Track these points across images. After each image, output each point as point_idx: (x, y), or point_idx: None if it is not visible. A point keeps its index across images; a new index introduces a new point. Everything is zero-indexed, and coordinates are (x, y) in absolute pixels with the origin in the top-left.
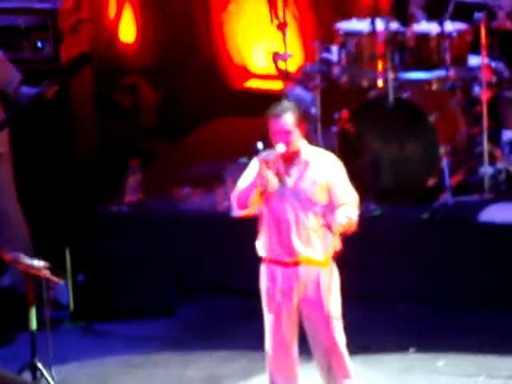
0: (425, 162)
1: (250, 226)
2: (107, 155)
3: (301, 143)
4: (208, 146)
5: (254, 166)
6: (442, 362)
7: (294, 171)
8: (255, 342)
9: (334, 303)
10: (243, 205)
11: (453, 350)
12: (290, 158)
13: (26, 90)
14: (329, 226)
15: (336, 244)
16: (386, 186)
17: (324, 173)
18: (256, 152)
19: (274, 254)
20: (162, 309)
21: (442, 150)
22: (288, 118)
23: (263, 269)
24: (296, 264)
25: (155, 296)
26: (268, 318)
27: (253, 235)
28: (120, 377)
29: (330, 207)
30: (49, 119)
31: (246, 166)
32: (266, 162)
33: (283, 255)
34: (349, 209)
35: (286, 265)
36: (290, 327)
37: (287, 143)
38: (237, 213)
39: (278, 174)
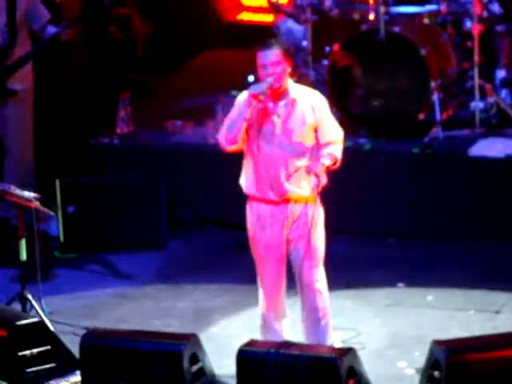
0: (416, 95)
1: (240, 159)
2: (98, 88)
3: (288, 81)
4: (199, 78)
5: (243, 99)
6: (431, 296)
7: (282, 109)
8: (246, 275)
9: (319, 238)
10: (232, 140)
11: (442, 285)
12: (278, 96)
13: (52, 29)
14: (310, 171)
15: (322, 180)
16: (377, 119)
17: (311, 112)
18: (247, 85)
19: (261, 192)
20: (154, 241)
21: (433, 84)
22: (275, 51)
23: (250, 207)
24: (284, 202)
25: (147, 229)
26: (256, 256)
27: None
28: (111, 308)
29: (316, 145)
30: (42, 52)
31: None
32: (255, 96)
33: (271, 193)
34: (334, 147)
35: (273, 203)
36: (278, 264)
37: (274, 76)
38: (226, 147)
39: (267, 109)
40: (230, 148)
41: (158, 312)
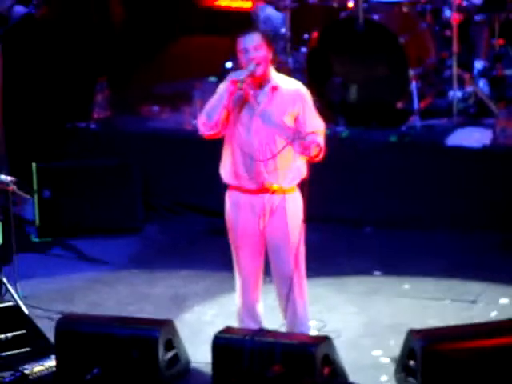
0: (394, 84)
1: (218, 145)
2: (75, 71)
3: (270, 70)
4: (177, 63)
5: (224, 86)
6: (407, 285)
7: (263, 97)
8: (221, 262)
9: (297, 229)
10: (212, 126)
11: (418, 274)
12: (259, 84)
13: (19, 9)
14: (306, 148)
15: (302, 171)
16: (355, 107)
17: (292, 101)
18: (224, 71)
19: (239, 181)
20: (129, 226)
21: (412, 72)
22: (256, 35)
23: (228, 196)
24: (262, 191)
25: (122, 213)
26: (233, 245)
27: (219, 155)
28: (86, 293)
29: (297, 135)
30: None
31: (214, 85)
32: (236, 82)
33: (249, 182)
34: (317, 137)
35: (252, 192)
36: (256, 253)
37: (255, 60)
38: (205, 133)
39: (247, 96)
40: (209, 134)
41: (133, 297)
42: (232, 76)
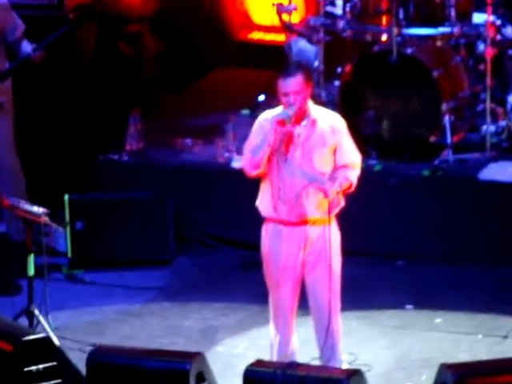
0: (427, 118)
1: (249, 178)
2: (109, 104)
3: (308, 104)
4: (210, 96)
5: (264, 124)
6: (439, 319)
7: (303, 130)
8: (253, 295)
9: (336, 260)
10: (257, 164)
11: (450, 308)
12: (299, 119)
13: (27, 47)
14: (324, 193)
15: (340, 202)
16: (388, 141)
17: (331, 133)
18: (258, 105)
19: (279, 213)
20: (161, 258)
21: (445, 106)
22: (297, 79)
23: (266, 229)
24: (302, 223)
25: (154, 245)
26: (270, 278)
27: (252, 188)
28: (118, 325)
29: (334, 167)
30: (52, 67)
31: (247, 118)
32: (281, 122)
33: (289, 215)
34: (349, 171)
35: (291, 224)
36: (294, 286)
37: (297, 104)
38: (251, 173)
39: (290, 134)
40: (255, 173)
41: (164, 330)
42: (277, 116)
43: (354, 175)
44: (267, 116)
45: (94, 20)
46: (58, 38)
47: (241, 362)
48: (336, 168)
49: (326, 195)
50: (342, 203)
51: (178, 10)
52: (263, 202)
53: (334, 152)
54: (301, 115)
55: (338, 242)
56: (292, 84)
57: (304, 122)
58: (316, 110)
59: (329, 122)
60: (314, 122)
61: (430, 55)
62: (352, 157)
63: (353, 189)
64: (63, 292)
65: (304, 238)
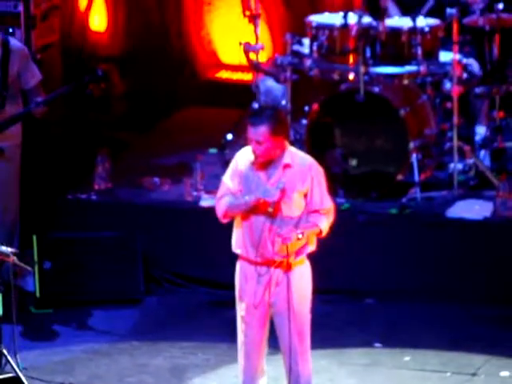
0: (394, 156)
1: (216, 217)
2: (76, 143)
3: (279, 151)
4: (178, 135)
5: (241, 169)
6: (408, 357)
7: (274, 174)
8: (221, 334)
9: (304, 302)
10: (230, 218)
11: (419, 346)
12: (270, 163)
13: (37, 97)
14: (282, 239)
15: (311, 244)
16: (356, 179)
17: (303, 178)
18: (225, 143)
19: (247, 253)
20: (130, 297)
21: (412, 144)
22: (261, 130)
23: (238, 266)
24: (267, 264)
25: (123, 284)
26: (240, 316)
27: (219, 227)
28: (86, 364)
29: (304, 212)
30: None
31: (215, 156)
32: (266, 205)
33: (256, 255)
34: (319, 217)
35: (259, 264)
36: (261, 325)
37: (260, 153)
38: (222, 221)
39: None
40: (226, 221)
41: (133, 369)
42: (263, 195)
43: (325, 221)
44: (244, 156)
45: (97, 83)
46: (61, 95)
47: None
48: (308, 212)
49: (283, 241)
50: (312, 248)
51: (145, 50)
52: (236, 240)
53: (305, 197)
54: (265, 164)
55: (306, 284)
56: (255, 133)
57: (277, 165)
58: (291, 154)
59: (302, 167)
60: (286, 166)
61: (396, 94)
62: (323, 203)
63: (324, 235)
64: (32, 332)
65: (269, 279)
